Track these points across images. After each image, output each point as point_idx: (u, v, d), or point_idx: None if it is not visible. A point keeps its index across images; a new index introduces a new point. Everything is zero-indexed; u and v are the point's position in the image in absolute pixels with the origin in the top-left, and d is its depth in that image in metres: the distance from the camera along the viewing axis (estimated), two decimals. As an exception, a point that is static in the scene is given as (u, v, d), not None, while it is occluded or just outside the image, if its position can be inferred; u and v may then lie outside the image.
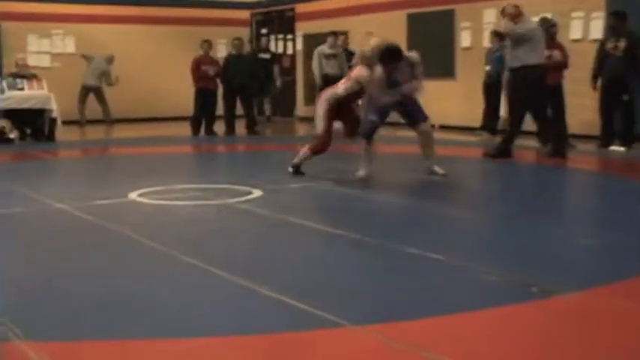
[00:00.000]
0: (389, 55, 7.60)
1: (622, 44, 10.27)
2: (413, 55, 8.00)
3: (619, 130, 10.57)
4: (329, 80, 15.07)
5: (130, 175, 8.31)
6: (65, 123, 13.06)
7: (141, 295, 3.79)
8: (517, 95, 9.52)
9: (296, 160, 7.95)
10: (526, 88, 9.30)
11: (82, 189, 7.28)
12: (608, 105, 10.55)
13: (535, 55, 9.24)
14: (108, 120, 15.91)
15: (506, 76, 10.19)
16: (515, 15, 9.29)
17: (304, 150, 7.95)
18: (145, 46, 17.54)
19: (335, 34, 15.12)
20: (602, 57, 10.55)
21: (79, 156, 10.91)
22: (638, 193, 7.20)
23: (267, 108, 17.26)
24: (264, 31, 19.20)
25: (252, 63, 14.48)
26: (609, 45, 10.43)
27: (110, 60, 15.99)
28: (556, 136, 9.82)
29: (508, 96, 10.00)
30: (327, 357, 3.00)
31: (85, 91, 15.85)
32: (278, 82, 15.70)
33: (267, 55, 15.61)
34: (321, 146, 7.85)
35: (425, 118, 8.10)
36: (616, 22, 10.44)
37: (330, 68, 14.61)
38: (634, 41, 10.25)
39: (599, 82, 10.64)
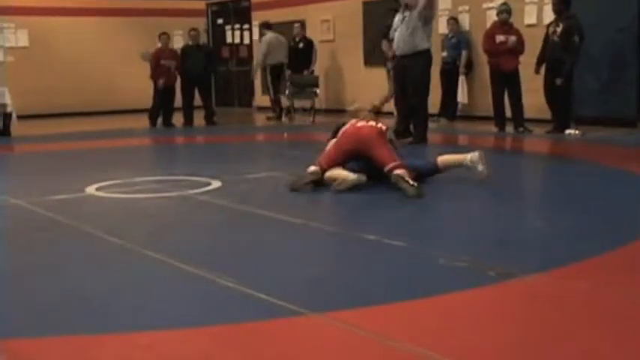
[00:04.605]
0: None
1: (559, 28, 10.35)
2: None
3: (573, 114, 10.65)
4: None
5: (88, 169, 8.22)
6: (21, 117, 12.90)
7: (101, 290, 3.76)
8: (427, 79, 9.97)
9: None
10: (428, 71, 9.96)
11: (39, 184, 7.18)
12: (549, 89, 10.60)
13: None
14: None
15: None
16: None
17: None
18: (99, 38, 17.35)
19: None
20: (546, 41, 10.65)
21: (36, 150, 10.76)
22: (592, 175, 7.30)
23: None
24: (220, 21, 19.10)
25: (209, 54, 14.34)
26: (550, 29, 10.53)
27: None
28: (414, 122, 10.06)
29: (415, 81, 9.79)
30: (289, 346, 3.00)
31: None
32: (313, 67, 14.81)
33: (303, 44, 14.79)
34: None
35: None
36: (558, 6, 10.50)
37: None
38: (571, 25, 10.30)
39: (543, 67, 10.71)
